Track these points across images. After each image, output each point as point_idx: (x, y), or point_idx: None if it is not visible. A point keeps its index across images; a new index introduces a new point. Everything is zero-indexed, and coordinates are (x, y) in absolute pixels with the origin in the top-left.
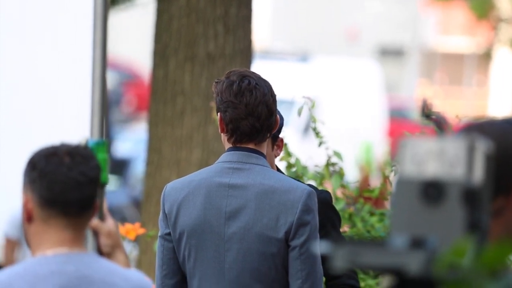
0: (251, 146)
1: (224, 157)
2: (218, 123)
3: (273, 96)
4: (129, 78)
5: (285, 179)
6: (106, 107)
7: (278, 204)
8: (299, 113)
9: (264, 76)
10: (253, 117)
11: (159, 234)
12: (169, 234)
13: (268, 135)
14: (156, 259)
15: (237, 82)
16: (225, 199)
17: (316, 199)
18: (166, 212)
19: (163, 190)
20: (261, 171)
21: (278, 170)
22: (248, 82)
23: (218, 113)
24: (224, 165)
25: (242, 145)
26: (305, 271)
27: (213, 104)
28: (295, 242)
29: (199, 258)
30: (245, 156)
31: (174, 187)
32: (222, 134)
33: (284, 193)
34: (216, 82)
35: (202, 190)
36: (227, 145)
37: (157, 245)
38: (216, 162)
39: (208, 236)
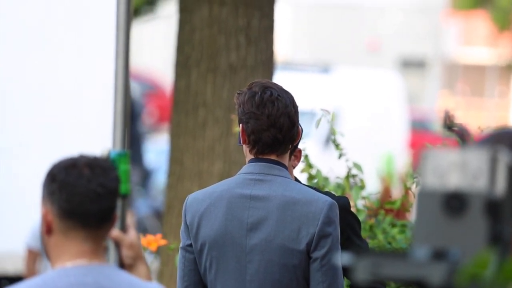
0: (273, 157)
1: (246, 168)
2: (240, 134)
3: (295, 107)
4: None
5: (307, 190)
6: (129, 118)
7: (300, 216)
8: (317, 125)
9: (285, 87)
10: (275, 129)
11: (181, 245)
12: (190, 245)
13: (290, 146)
14: (178, 270)
15: (259, 93)
16: (247, 210)
17: (337, 211)
18: (188, 223)
19: (185, 201)
20: (283, 183)
21: (297, 180)
22: (270, 93)
23: (240, 124)
24: (246, 176)
25: (264, 157)
26: (326, 283)
27: (234, 117)
28: (316, 254)
29: (221, 269)
30: (267, 168)
31: (196, 198)
32: (243, 145)
33: (305, 204)
34: (238, 94)
35: (223, 202)
36: (249, 157)
37: (178, 256)
38: (238, 174)
39: (229, 248)
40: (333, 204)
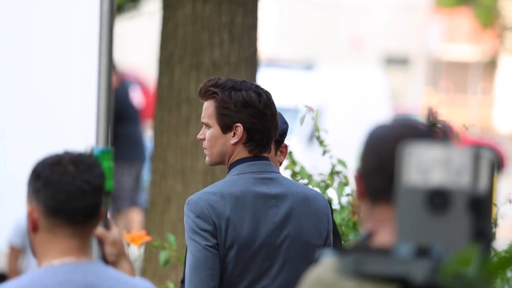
0: (264, 154)
1: (247, 167)
2: (239, 135)
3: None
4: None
5: (303, 186)
6: (112, 115)
7: (314, 211)
8: (302, 122)
9: (269, 84)
10: (275, 128)
11: (204, 244)
12: (216, 245)
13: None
14: (200, 269)
15: (260, 94)
16: (272, 209)
17: None
18: (214, 224)
19: (202, 204)
20: (284, 180)
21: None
22: (267, 95)
23: (240, 125)
24: (254, 176)
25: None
26: None
27: None
28: (326, 248)
29: (247, 268)
30: (268, 165)
31: (214, 200)
32: (239, 144)
33: (314, 200)
34: (231, 92)
35: (247, 203)
36: (242, 155)
37: (195, 254)
38: (241, 173)
39: (260, 247)
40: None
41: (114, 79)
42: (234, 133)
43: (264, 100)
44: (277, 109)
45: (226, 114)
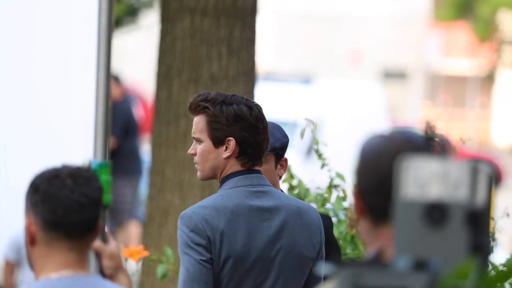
0: (257, 167)
1: (241, 180)
2: (232, 148)
3: None
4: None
5: (295, 198)
6: (109, 129)
7: (307, 224)
8: (302, 135)
9: (267, 97)
10: (266, 142)
11: (198, 258)
12: (210, 259)
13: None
14: (195, 283)
15: (253, 108)
16: (265, 222)
17: None
18: (208, 238)
19: (196, 218)
20: (276, 193)
21: (281, 191)
22: (258, 109)
23: (233, 139)
24: (248, 189)
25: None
26: None
27: None
28: (319, 261)
29: (241, 282)
30: (260, 179)
31: (208, 214)
32: (232, 158)
33: (306, 213)
34: (222, 106)
35: (242, 217)
36: (235, 169)
37: (189, 269)
38: (234, 187)
39: (254, 261)
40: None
41: (118, 93)
42: (227, 147)
43: (255, 113)
44: (276, 123)
45: (218, 128)
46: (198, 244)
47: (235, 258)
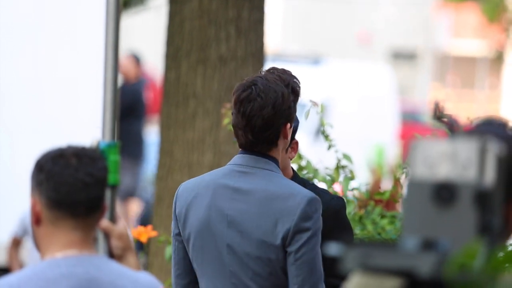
0: (256, 149)
1: (235, 159)
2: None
3: (276, 108)
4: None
5: (289, 185)
6: (118, 109)
7: (278, 211)
8: (306, 117)
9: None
10: (248, 128)
11: (172, 234)
12: (179, 234)
13: (274, 145)
14: (172, 258)
15: (241, 90)
16: (228, 202)
17: (318, 206)
18: (177, 212)
19: (177, 190)
20: (267, 176)
21: (294, 172)
22: (250, 92)
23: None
24: (233, 168)
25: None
26: (300, 276)
27: (224, 109)
28: (291, 248)
29: (205, 259)
30: (254, 160)
31: (186, 187)
32: None
33: (284, 199)
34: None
35: (209, 192)
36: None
37: (171, 245)
38: (228, 164)
39: (211, 239)
40: (312, 199)
41: (134, 74)
42: None
43: (237, 96)
44: None
45: None
46: (173, 219)
47: (194, 233)
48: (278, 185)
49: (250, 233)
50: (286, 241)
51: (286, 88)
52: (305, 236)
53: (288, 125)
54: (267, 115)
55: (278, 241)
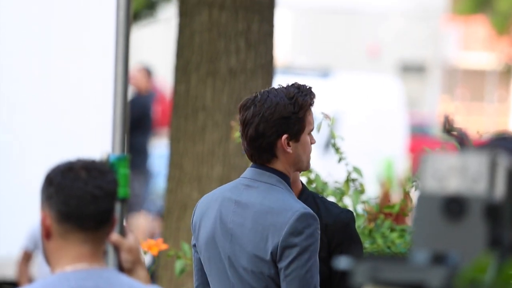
0: (268, 163)
1: (245, 172)
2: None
3: (267, 116)
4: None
5: (283, 199)
6: (128, 123)
7: (269, 225)
8: (318, 129)
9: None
10: (244, 136)
11: (192, 243)
12: (195, 245)
13: (273, 154)
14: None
15: (246, 99)
16: (231, 215)
17: (311, 221)
18: (193, 224)
19: (197, 204)
20: (266, 190)
21: (303, 185)
22: (249, 100)
23: None
24: (241, 181)
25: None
26: None
27: (233, 122)
28: (281, 264)
29: (212, 270)
30: (258, 173)
31: (204, 200)
32: None
33: (276, 214)
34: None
35: (217, 205)
36: None
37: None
38: (240, 176)
39: (216, 251)
40: (303, 214)
41: (145, 87)
42: None
43: (243, 112)
44: None
45: None
46: (192, 230)
47: (204, 244)
48: (273, 199)
49: (245, 247)
50: (276, 256)
51: (289, 100)
52: (294, 251)
53: (285, 136)
54: (258, 123)
55: (268, 256)
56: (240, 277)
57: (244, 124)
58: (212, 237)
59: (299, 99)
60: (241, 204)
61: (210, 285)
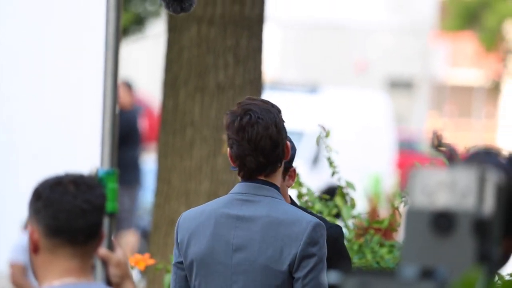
0: (261, 177)
1: (236, 188)
2: (229, 157)
3: (278, 126)
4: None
5: (292, 210)
6: (116, 137)
7: (283, 237)
8: (317, 142)
9: (274, 102)
10: (257, 152)
11: (173, 262)
12: (181, 262)
13: (279, 165)
14: (170, 286)
15: (239, 117)
16: (233, 230)
17: (323, 231)
18: (179, 241)
19: (178, 219)
20: (270, 203)
21: (292, 200)
22: (250, 117)
23: (228, 148)
24: (235, 196)
25: (252, 178)
26: None
27: (222, 136)
28: (298, 274)
29: (210, 286)
30: (256, 188)
31: (188, 216)
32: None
33: (289, 225)
34: (225, 114)
35: (211, 221)
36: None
37: (171, 273)
38: (229, 193)
39: (216, 268)
40: (317, 224)
41: (128, 101)
42: None
43: (238, 124)
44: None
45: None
46: (175, 247)
47: (198, 261)
48: (281, 211)
49: (255, 259)
50: (293, 267)
51: (272, 106)
52: (312, 261)
53: (287, 141)
54: (273, 133)
55: (284, 267)
56: None
57: (257, 139)
58: (210, 254)
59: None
60: (245, 218)
61: None
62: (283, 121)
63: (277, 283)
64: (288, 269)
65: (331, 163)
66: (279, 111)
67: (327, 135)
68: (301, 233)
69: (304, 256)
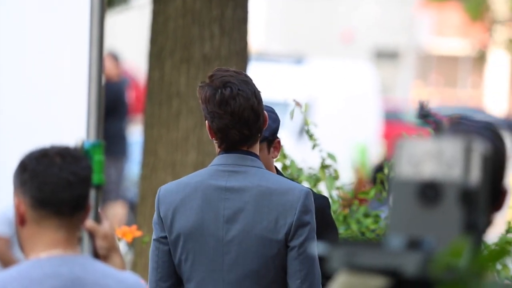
0: (244, 148)
1: (218, 160)
2: (207, 130)
3: (257, 97)
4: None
5: (283, 180)
6: (102, 109)
7: (276, 206)
8: (291, 116)
9: (258, 77)
10: (241, 124)
11: (154, 237)
12: (164, 237)
13: (260, 135)
14: (150, 262)
15: (220, 90)
16: (223, 202)
17: (313, 200)
18: (162, 215)
19: (158, 193)
20: (258, 173)
21: (278, 171)
22: (230, 89)
23: (206, 121)
24: (218, 168)
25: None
26: (303, 271)
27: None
28: (294, 243)
29: (197, 261)
30: (240, 159)
31: (169, 189)
32: (213, 139)
33: (282, 194)
34: (200, 87)
35: (198, 193)
36: (219, 149)
37: (151, 248)
38: (210, 165)
39: (206, 240)
40: (309, 193)
41: (115, 73)
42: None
43: (220, 97)
44: (268, 105)
45: (202, 110)
46: (156, 222)
47: (185, 235)
48: (272, 181)
49: (249, 230)
50: (289, 235)
51: (246, 77)
52: (306, 230)
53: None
54: (254, 104)
55: (280, 236)
56: (241, 263)
57: (240, 111)
58: (199, 227)
59: (248, 75)
60: (234, 189)
61: (188, 276)
62: (259, 91)
63: (272, 253)
64: (284, 238)
65: (311, 136)
66: (252, 80)
67: (305, 109)
68: (295, 201)
69: (299, 225)
